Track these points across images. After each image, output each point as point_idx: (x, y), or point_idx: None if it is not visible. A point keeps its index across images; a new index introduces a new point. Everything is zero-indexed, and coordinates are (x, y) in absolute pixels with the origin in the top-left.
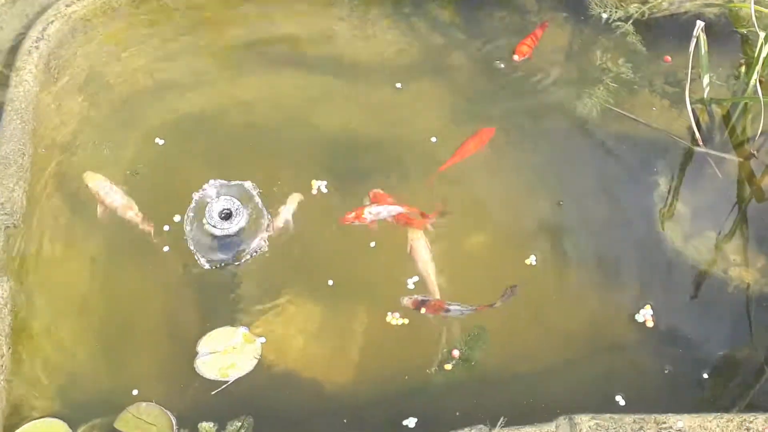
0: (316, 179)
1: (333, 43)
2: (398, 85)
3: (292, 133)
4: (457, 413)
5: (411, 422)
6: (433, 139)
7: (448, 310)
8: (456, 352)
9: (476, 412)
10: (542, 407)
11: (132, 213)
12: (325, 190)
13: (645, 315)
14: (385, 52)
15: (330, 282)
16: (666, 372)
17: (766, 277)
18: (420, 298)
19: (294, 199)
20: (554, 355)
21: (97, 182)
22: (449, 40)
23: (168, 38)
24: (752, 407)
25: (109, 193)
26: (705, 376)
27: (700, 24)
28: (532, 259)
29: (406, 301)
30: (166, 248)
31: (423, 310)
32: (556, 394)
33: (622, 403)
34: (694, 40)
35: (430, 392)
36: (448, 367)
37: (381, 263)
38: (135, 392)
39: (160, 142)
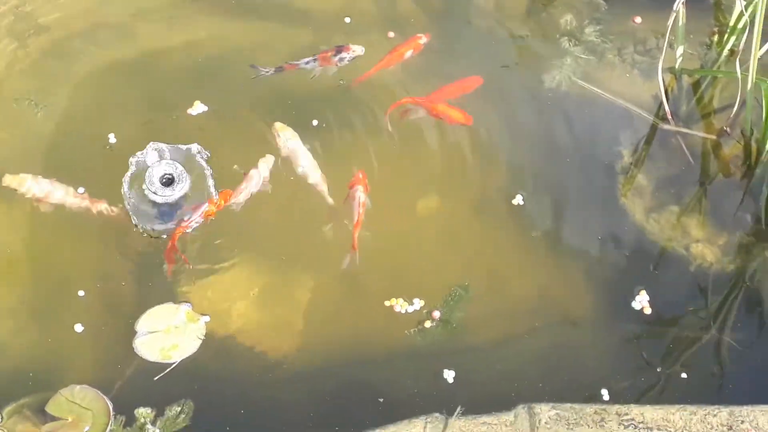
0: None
1: None
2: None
3: None
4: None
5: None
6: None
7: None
8: (437, 314)
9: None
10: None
11: (77, 200)
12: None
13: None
14: None
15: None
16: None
17: (727, 256)
18: None
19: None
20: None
21: (24, 182)
22: None
23: None
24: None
25: (46, 190)
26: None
27: None
28: (519, 199)
29: None
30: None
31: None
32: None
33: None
34: (673, 14)
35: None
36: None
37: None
38: None
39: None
